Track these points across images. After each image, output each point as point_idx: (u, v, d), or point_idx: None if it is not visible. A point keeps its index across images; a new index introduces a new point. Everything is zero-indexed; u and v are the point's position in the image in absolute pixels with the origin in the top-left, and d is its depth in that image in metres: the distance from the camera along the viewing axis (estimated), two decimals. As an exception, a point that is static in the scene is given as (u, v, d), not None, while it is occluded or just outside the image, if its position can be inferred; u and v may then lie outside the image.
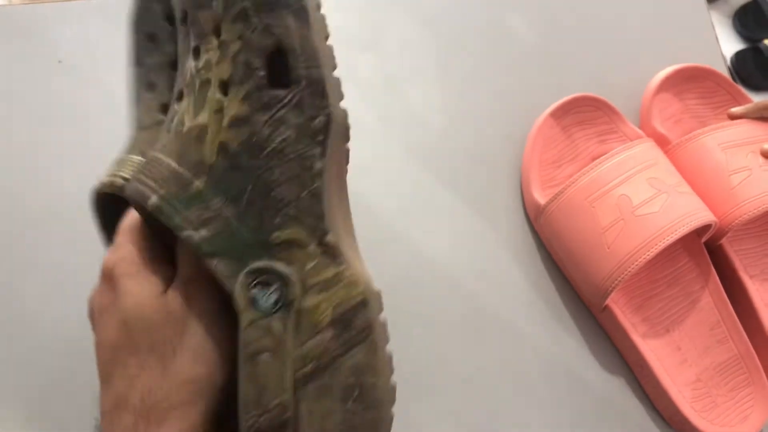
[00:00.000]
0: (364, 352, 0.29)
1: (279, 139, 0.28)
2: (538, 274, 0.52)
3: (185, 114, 0.29)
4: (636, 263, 0.46)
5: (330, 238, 0.29)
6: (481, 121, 0.56)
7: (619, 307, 0.49)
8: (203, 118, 0.29)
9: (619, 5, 0.62)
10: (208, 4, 0.29)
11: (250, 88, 0.28)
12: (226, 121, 0.28)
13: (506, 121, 0.56)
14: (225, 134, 0.28)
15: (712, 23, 0.63)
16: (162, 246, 0.33)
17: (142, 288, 0.30)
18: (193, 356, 0.30)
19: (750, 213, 0.48)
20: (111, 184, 0.33)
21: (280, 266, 0.28)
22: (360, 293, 0.29)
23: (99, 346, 0.31)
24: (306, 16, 0.29)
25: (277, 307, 0.28)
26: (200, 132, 0.29)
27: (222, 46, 0.29)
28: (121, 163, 0.34)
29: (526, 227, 0.54)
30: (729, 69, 0.62)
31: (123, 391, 0.29)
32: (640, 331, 0.49)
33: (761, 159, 0.50)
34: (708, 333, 0.50)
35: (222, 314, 0.31)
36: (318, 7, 0.30)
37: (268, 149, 0.28)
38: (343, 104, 0.30)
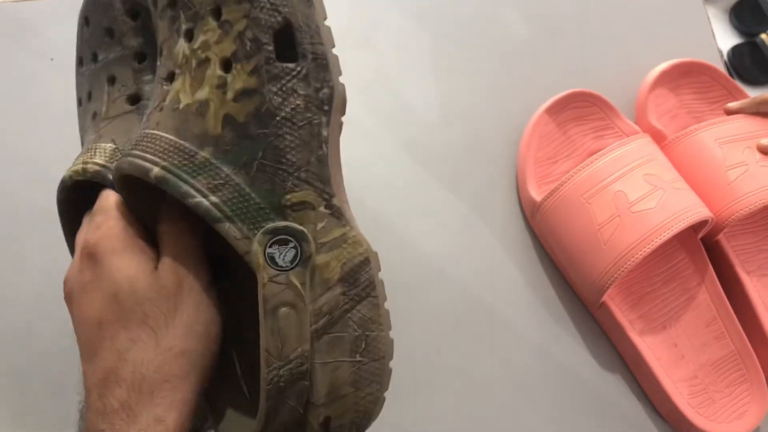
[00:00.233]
0: (368, 306, 0.31)
1: (289, 107, 0.30)
2: (534, 271, 0.52)
3: (180, 92, 0.31)
4: (632, 260, 0.45)
5: (335, 200, 0.31)
6: (477, 117, 0.56)
7: (615, 303, 0.49)
8: (203, 94, 0.30)
9: (614, 0, 0.62)
10: None
11: (259, 62, 0.30)
12: (230, 95, 0.30)
13: (501, 117, 0.56)
14: (230, 107, 0.30)
15: (708, 18, 0.63)
16: (143, 226, 0.33)
17: (131, 264, 0.31)
18: (185, 330, 0.30)
19: (747, 208, 0.48)
20: (84, 171, 0.34)
21: (295, 225, 0.30)
22: (363, 252, 0.32)
23: (82, 322, 0.31)
24: None
25: (295, 263, 0.30)
26: (200, 107, 0.30)
27: (223, 25, 0.30)
28: (89, 151, 0.35)
29: (522, 224, 0.54)
30: (725, 64, 0.62)
31: (113, 365, 0.29)
32: (636, 328, 0.49)
33: (758, 154, 0.50)
34: (705, 329, 0.50)
35: (210, 291, 0.32)
36: None
37: (279, 117, 0.30)
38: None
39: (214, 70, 0.31)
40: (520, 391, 0.49)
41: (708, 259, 0.51)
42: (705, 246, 0.51)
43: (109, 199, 0.33)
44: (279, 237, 0.30)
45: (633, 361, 0.50)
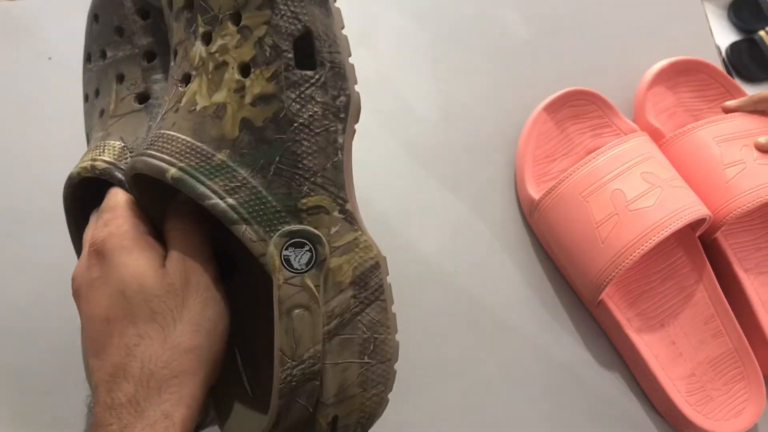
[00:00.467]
0: (377, 310, 0.32)
1: (307, 114, 0.31)
2: (532, 269, 0.52)
3: (197, 94, 0.31)
4: (630, 258, 0.45)
5: (348, 206, 0.32)
6: (475, 116, 0.56)
7: (613, 301, 0.49)
8: (220, 97, 0.31)
9: (612, -2, 0.62)
10: None
11: (278, 68, 0.31)
12: (248, 99, 0.31)
13: (500, 116, 0.56)
14: (248, 111, 0.31)
15: (706, 15, 0.63)
16: (151, 224, 0.34)
17: (139, 261, 0.31)
18: (193, 327, 0.31)
19: (745, 206, 0.48)
20: (92, 168, 0.34)
21: (311, 229, 0.31)
22: (374, 256, 0.32)
23: (90, 319, 0.31)
24: (329, 6, 0.32)
25: (310, 266, 0.30)
26: (218, 110, 0.31)
27: (242, 30, 0.31)
28: (97, 148, 0.35)
29: (521, 222, 0.54)
30: (724, 61, 0.62)
31: (121, 361, 0.30)
32: (634, 326, 0.49)
33: (756, 152, 0.50)
34: (703, 327, 0.50)
35: (217, 288, 0.32)
36: None
37: (297, 123, 0.31)
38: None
39: (232, 74, 0.31)
40: (518, 389, 0.49)
41: (706, 257, 0.51)
42: (703, 244, 0.51)
43: (117, 196, 0.34)
44: (295, 240, 0.30)
45: (631, 359, 0.50)
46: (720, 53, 0.63)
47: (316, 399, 0.31)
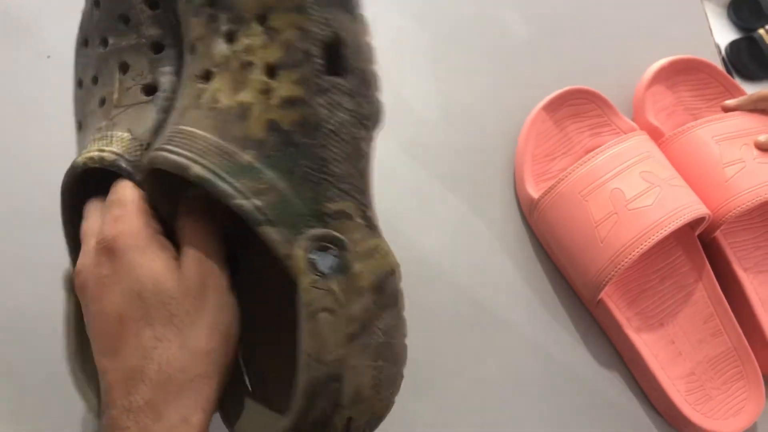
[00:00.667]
0: (392, 315, 0.32)
1: (335, 120, 0.31)
2: (531, 268, 0.52)
3: (219, 92, 0.31)
4: (629, 257, 0.45)
5: (369, 212, 0.33)
6: (474, 115, 0.56)
7: (613, 301, 0.49)
8: (245, 96, 0.31)
9: (612, -3, 0.62)
10: None
11: (307, 73, 0.31)
12: (275, 101, 0.31)
13: (499, 115, 0.56)
14: (274, 113, 0.31)
15: (705, 14, 0.63)
16: (162, 221, 0.33)
17: (155, 261, 0.31)
18: (209, 331, 0.30)
19: (744, 205, 0.48)
20: (101, 159, 0.34)
21: (337, 234, 0.31)
22: (391, 263, 0.33)
23: (100, 317, 0.31)
24: (356, 14, 0.33)
25: (335, 270, 0.30)
26: (242, 110, 0.31)
27: (269, 32, 0.31)
28: (104, 138, 0.35)
29: (520, 221, 0.54)
30: (723, 59, 0.62)
31: (138, 363, 0.29)
32: (634, 325, 0.49)
33: (755, 151, 0.50)
34: (702, 326, 0.50)
35: (231, 291, 0.32)
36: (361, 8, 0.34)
37: (325, 129, 0.31)
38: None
39: (258, 75, 0.31)
40: (517, 388, 0.49)
41: (705, 256, 0.51)
42: (702, 243, 0.51)
43: (126, 190, 0.33)
44: (321, 244, 0.30)
45: (630, 358, 0.50)
46: (719, 52, 0.63)
47: (334, 401, 0.31)
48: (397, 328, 0.33)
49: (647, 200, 0.47)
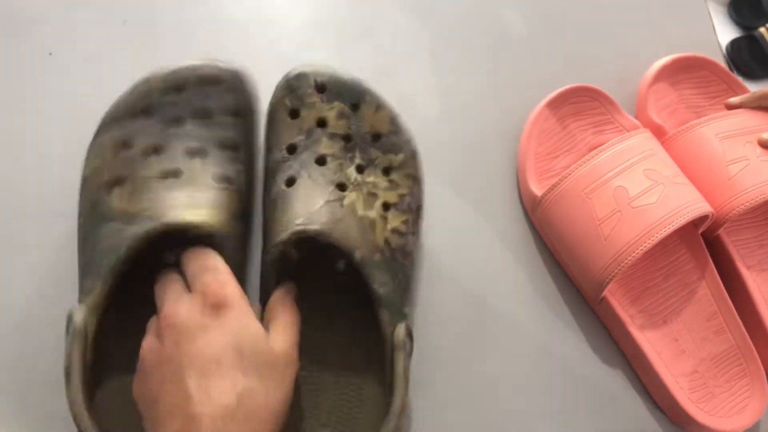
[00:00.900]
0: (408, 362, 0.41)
1: (414, 254, 0.46)
2: (534, 266, 0.52)
3: (356, 203, 0.43)
4: (633, 255, 0.45)
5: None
6: (476, 112, 0.56)
7: (616, 298, 0.49)
8: (371, 215, 0.43)
9: (614, -6, 0.62)
10: (396, 151, 0.46)
11: (410, 218, 0.45)
12: (389, 227, 0.44)
13: (502, 112, 0.56)
14: (388, 234, 0.43)
15: (708, 12, 0.63)
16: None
17: (255, 325, 0.37)
18: (284, 398, 0.37)
19: (748, 203, 0.48)
20: (199, 226, 0.41)
21: (411, 329, 0.42)
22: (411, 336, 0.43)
23: (195, 355, 0.35)
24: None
25: (410, 352, 0.42)
26: (371, 223, 0.43)
27: (391, 182, 0.45)
28: (192, 208, 0.41)
29: (523, 219, 0.53)
30: (724, 57, 0.62)
31: (231, 403, 0.33)
32: (637, 323, 0.49)
33: (759, 149, 0.50)
34: (705, 324, 0.50)
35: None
36: None
37: (412, 257, 0.46)
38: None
39: (378, 205, 0.44)
40: (520, 386, 0.49)
41: (708, 254, 0.51)
42: (705, 241, 0.51)
43: (219, 261, 0.39)
44: (409, 332, 0.42)
45: (633, 356, 0.50)
46: (722, 50, 0.63)
47: None
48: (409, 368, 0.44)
49: (651, 198, 0.47)
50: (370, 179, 0.45)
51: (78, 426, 0.38)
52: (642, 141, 0.50)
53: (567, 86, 0.53)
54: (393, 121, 0.47)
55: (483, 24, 0.59)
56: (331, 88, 0.47)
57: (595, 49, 0.59)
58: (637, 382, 0.51)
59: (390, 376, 0.41)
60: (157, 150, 0.43)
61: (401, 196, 0.45)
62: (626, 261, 0.45)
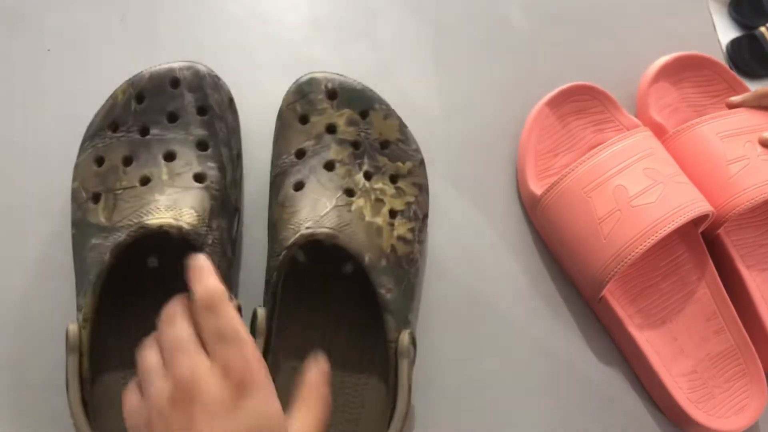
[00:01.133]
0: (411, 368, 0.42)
1: (419, 260, 0.47)
2: (533, 265, 0.52)
3: (363, 209, 0.44)
4: (632, 254, 0.45)
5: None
6: (477, 110, 0.56)
7: (615, 298, 0.49)
8: (378, 221, 0.44)
9: (615, -7, 0.62)
10: (404, 159, 0.47)
11: (415, 225, 0.46)
12: (395, 234, 0.44)
13: (502, 110, 0.56)
14: (394, 240, 0.44)
15: (710, 11, 0.63)
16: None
17: (275, 406, 0.35)
18: None
19: (748, 203, 0.48)
20: (178, 227, 0.40)
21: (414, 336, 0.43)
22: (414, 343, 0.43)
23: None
24: None
25: (412, 361, 0.42)
26: (378, 230, 0.44)
27: (398, 189, 0.46)
28: (174, 209, 0.41)
29: (522, 217, 0.53)
30: (725, 56, 0.61)
31: None
32: (636, 322, 0.49)
33: (759, 148, 0.50)
34: (704, 324, 0.50)
35: None
36: None
37: (417, 265, 0.46)
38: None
39: (385, 212, 0.45)
40: (518, 385, 0.49)
41: (708, 254, 0.50)
42: (705, 240, 0.51)
43: (239, 324, 0.35)
44: (413, 339, 0.42)
45: (632, 356, 0.50)
46: (722, 49, 0.63)
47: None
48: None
49: (650, 197, 0.46)
50: (378, 186, 0.46)
51: (77, 429, 0.39)
52: (642, 140, 0.50)
53: (567, 84, 0.53)
54: (401, 130, 0.48)
55: (483, 21, 0.59)
56: (341, 94, 0.47)
57: (596, 47, 0.59)
58: (636, 382, 0.50)
59: (393, 381, 0.41)
60: (129, 161, 0.44)
61: (408, 203, 0.46)
62: (626, 260, 0.45)
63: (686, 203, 0.46)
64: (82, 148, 0.46)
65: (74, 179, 0.45)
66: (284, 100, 0.48)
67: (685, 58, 0.55)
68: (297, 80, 0.48)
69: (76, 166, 0.45)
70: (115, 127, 0.45)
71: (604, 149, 0.49)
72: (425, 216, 0.48)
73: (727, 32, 0.66)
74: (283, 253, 0.42)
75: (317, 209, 0.43)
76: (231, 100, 0.48)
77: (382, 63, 0.57)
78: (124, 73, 0.47)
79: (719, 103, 0.56)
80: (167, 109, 0.46)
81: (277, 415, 0.34)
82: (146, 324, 0.44)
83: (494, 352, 0.49)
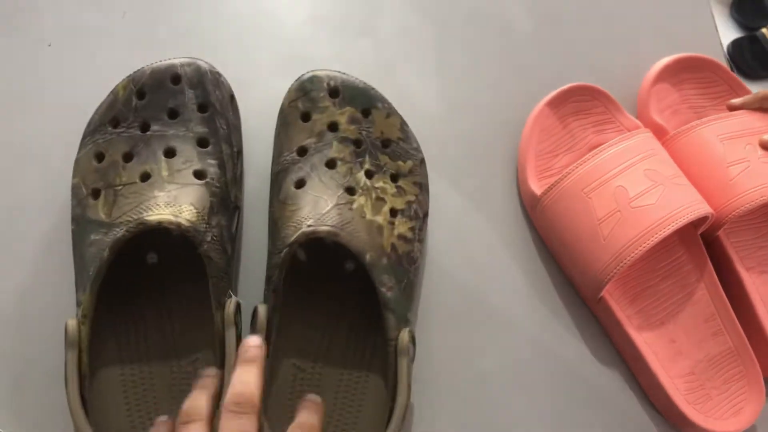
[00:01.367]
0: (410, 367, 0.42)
1: (419, 259, 0.47)
2: (533, 265, 0.52)
3: (364, 208, 0.44)
4: (632, 255, 0.45)
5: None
6: (477, 109, 0.56)
7: (614, 298, 0.49)
8: (379, 220, 0.44)
9: (617, -7, 0.62)
10: (405, 158, 0.48)
11: (415, 224, 0.46)
12: (395, 232, 0.44)
13: (502, 110, 0.56)
14: (395, 239, 0.44)
15: (711, 12, 0.63)
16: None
17: None
18: None
19: (748, 205, 0.48)
20: (178, 223, 0.40)
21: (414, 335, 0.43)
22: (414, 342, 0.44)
23: None
24: None
25: (414, 357, 0.43)
26: (378, 228, 0.44)
27: (398, 188, 0.46)
28: (174, 205, 0.41)
29: (522, 217, 0.53)
30: (725, 57, 0.61)
31: None
32: (634, 323, 0.49)
33: (759, 150, 0.50)
34: (703, 325, 0.50)
35: None
36: None
37: (417, 263, 0.46)
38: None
39: (386, 210, 0.45)
40: (517, 385, 0.49)
41: (707, 255, 0.50)
42: (704, 242, 0.51)
43: (256, 391, 0.37)
44: (413, 338, 0.42)
45: (630, 357, 0.50)
46: (723, 51, 0.63)
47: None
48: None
49: (650, 198, 0.46)
50: (379, 185, 0.46)
51: (75, 425, 0.39)
52: (643, 141, 0.50)
53: (568, 85, 0.53)
54: (402, 129, 0.48)
55: (485, 20, 0.59)
56: (343, 92, 0.47)
57: (598, 47, 0.59)
58: (633, 383, 0.50)
59: (393, 379, 0.41)
60: (129, 157, 0.44)
61: (408, 202, 0.46)
62: (625, 261, 0.45)
63: (686, 205, 0.46)
64: (83, 143, 0.46)
65: (74, 175, 0.45)
66: (286, 97, 0.48)
67: (686, 59, 0.55)
68: (299, 78, 0.48)
69: (76, 162, 0.45)
70: (115, 122, 0.45)
71: (604, 150, 0.49)
72: (425, 215, 0.48)
73: (728, 33, 0.66)
74: (284, 250, 0.42)
75: (318, 207, 0.43)
76: (232, 97, 0.48)
77: (384, 62, 0.56)
78: (125, 68, 0.47)
79: (720, 104, 0.56)
80: (168, 106, 0.46)
81: None
82: (144, 320, 0.45)
83: (493, 352, 0.49)
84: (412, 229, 0.46)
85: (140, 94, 0.46)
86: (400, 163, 0.47)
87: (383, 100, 0.48)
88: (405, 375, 0.41)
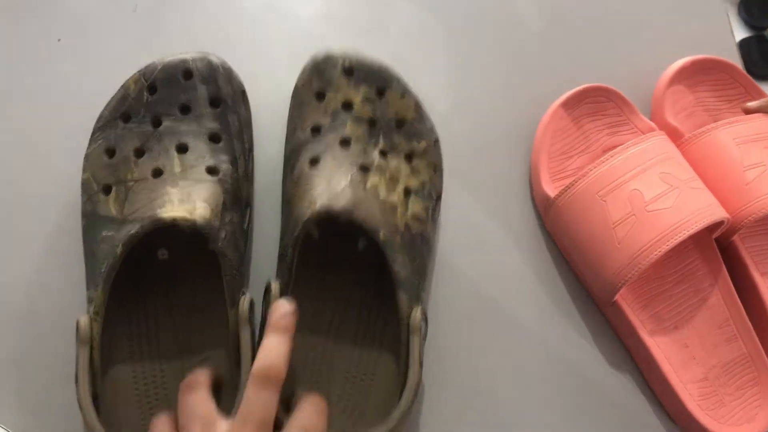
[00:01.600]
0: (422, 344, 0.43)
1: (432, 239, 0.47)
2: (546, 268, 0.52)
3: (378, 187, 0.44)
4: (646, 260, 0.45)
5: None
6: (490, 110, 0.55)
7: (627, 303, 0.49)
8: (393, 199, 0.44)
9: (632, -7, 0.61)
10: (419, 138, 0.47)
11: (429, 204, 0.46)
12: (409, 212, 0.44)
13: (515, 111, 0.55)
14: (408, 219, 0.44)
15: (727, 13, 0.62)
16: None
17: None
18: None
19: (764, 210, 0.47)
20: (193, 220, 0.40)
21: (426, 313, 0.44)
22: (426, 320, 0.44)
23: None
24: None
25: (424, 337, 0.43)
26: (392, 207, 0.44)
27: (413, 168, 0.46)
28: (187, 202, 0.41)
29: (534, 219, 0.53)
30: (741, 60, 0.61)
31: None
32: (647, 328, 0.49)
33: (776, 155, 0.50)
34: (717, 331, 0.50)
35: None
36: None
37: (430, 243, 0.46)
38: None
39: (400, 190, 0.45)
40: (528, 387, 0.49)
41: (722, 260, 0.50)
42: (719, 246, 0.50)
43: (265, 412, 0.36)
44: (425, 316, 0.43)
45: (643, 361, 0.49)
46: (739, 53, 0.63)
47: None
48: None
49: (666, 202, 0.46)
50: (393, 164, 0.45)
51: (86, 423, 0.38)
52: (658, 143, 0.49)
53: (583, 86, 0.52)
54: (417, 109, 0.48)
55: (497, 19, 0.58)
56: (358, 71, 0.47)
57: (612, 48, 0.59)
58: (646, 388, 0.50)
59: (405, 356, 0.42)
60: (141, 152, 0.44)
61: (422, 183, 0.46)
62: (640, 265, 0.45)
63: (702, 209, 0.46)
64: (92, 138, 0.45)
65: (84, 170, 0.45)
66: (300, 76, 0.48)
67: (702, 61, 0.55)
68: (314, 56, 0.47)
69: (86, 157, 0.45)
70: (126, 117, 0.45)
71: (619, 153, 0.48)
72: (439, 196, 0.48)
73: (736, 33, 0.66)
74: (298, 228, 0.41)
75: (332, 185, 0.43)
76: (244, 93, 0.48)
77: (394, 59, 0.56)
78: (135, 63, 0.46)
79: (735, 107, 0.55)
80: (180, 101, 0.45)
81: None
82: (156, 317, 0.44)
83: (503, 354, 0.49)
84: (425, 208, 0.46)
85: (151, 89, 0.45)
86: (414, 143, 0.47)
87: (398, 79, 0.48)
88: (417, 352, 0.41)
